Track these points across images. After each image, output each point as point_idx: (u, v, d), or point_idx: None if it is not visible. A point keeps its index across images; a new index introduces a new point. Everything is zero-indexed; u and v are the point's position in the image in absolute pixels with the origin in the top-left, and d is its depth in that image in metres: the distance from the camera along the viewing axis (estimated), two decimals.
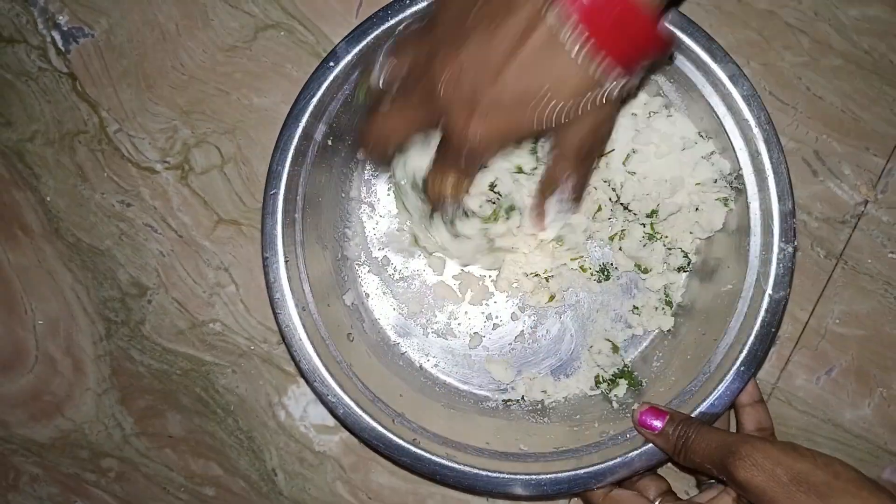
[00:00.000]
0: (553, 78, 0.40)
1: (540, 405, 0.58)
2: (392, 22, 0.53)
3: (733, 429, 0.54)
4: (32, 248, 0.62)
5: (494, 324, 0.59)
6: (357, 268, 0.59)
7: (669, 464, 0.55)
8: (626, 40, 0.39)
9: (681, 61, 0.53)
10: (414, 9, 0.53)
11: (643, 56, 0.41)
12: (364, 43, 0.53)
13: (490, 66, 0.41)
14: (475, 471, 0.51)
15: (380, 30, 0.53)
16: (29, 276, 0.62)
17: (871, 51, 0.59)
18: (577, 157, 0.47)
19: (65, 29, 0.62)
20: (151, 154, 0.61)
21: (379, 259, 0.59)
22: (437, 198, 0.49)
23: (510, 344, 0.59)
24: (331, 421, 0.60)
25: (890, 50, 0.58)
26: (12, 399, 0.62)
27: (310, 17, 0.61)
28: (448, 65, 0.41)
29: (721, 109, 0.52)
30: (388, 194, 0.59)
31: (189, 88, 0.61)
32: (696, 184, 0.55)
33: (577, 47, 0.39)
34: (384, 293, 0.59)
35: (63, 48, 0.62)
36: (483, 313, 0.59)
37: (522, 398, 0.58)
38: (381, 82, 0.47)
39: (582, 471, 0.51)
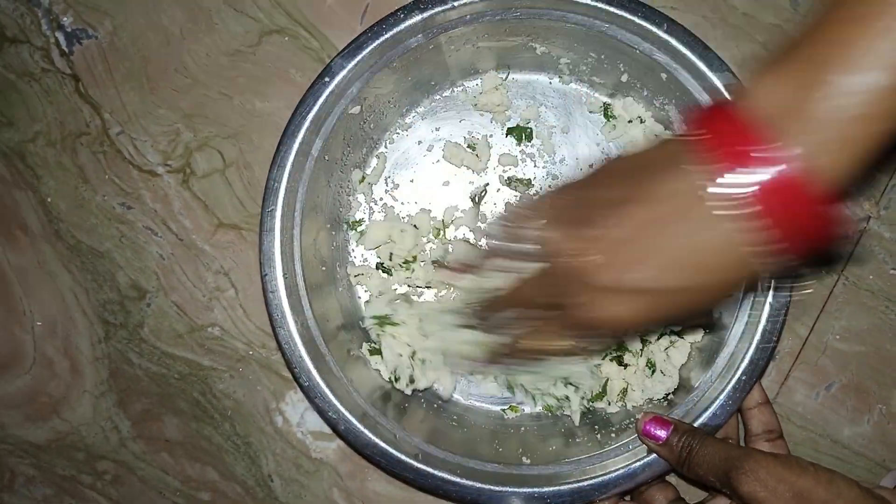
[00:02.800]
0: (712, 266, 0.37)
1: (543, 417, 0.57)
2: (387, 35, 0.53)
3: (736, 434, 0.54)
4: (32, 249, 0.62)
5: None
6: (355, 282, 0.59)
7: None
8: (799, 220, 0.35)
9: (678, 72, 0.53)
10: (410, 21, 0.53)
11: (817, 244, 0.36)
12: (360, 57, 0.53)
13: (642, 246, 0.37)
14: (478, 485, 0.51)
15: (375, 44, 0.53)
16: (28, 277, 0.62)
17: None
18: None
19: (69, 30, 0.62)
20: (153, 157, 0.61)
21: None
22: (523, 353, 0.47)
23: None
24: (328, 428, 0.60)
25: None
26: (9, 400, 0.62)
27: (314, 23, 0.61)
28: (594, 241, 0.38)
29: None
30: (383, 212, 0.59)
31: (192, 92, 0.61)
32: None
33: (746, 228, 0.35)
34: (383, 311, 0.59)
35: (66, 49, 0.62)
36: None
37: (524, 411, 0.58)
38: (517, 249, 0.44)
39: (585, 483, 0.51)
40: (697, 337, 0.55)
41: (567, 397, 0.55)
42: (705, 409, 0.51)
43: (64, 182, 0.62)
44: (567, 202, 0.41)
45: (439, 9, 0.53)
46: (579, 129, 0.59)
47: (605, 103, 0.58)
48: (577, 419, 0.55)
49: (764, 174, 0.34)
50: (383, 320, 0.56)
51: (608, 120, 0.58)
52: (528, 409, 0.58)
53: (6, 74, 0.62)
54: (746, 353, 0.51)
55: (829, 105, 0.33)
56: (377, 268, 0.58)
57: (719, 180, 0.35)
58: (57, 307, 0.62)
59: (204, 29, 0.61)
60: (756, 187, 0.34)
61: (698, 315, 0.42)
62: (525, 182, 0.58)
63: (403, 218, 0.58)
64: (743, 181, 0.34)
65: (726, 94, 0.49)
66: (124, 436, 0.61)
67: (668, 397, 0.55)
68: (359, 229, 0.58)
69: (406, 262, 0.57)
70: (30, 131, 0.62)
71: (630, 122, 0.57)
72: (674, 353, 0.55)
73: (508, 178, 0.58)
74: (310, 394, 0.52)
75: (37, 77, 0.62)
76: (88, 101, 0.62)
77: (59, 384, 0.61)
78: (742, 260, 0.36)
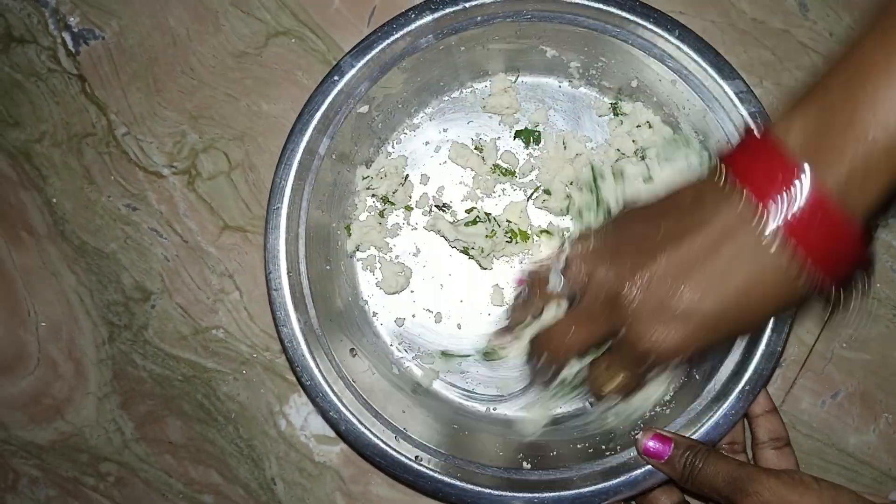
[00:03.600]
0: (752, 290, 0.39)
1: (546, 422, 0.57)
2: (397, 35, 0.53)
3: (742, 440, 0.54)
4: (37, 250, 0.62)
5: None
6: (360, 283, 0.59)
7: None
8: (829, 248, 0.38)
9: (688, 78, 0.53)
10: (420, 22, 0.53)
11: (841, 264, 0.39)
12: (369, 56, 0.53)
13: (682, 276, 0.40)
14: (478, 489, 0.51)
15: (384, 43, 0.53)
16: (32, 278, 0.62)
17: None
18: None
19: (75, 30, 0.62)
20: (159, 158, 0.61)
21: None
22: (596, 391, 0.49)
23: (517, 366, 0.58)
24: (331, 431, 0.60)
25: None
26: (13, 401, 0.62)
27: (321, 25, 0.61)
28: (637, 275, 0.41)
29: (729, 127, 0.52)
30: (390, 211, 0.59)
31: (198, 93, 0.61)
32: None
33: (781, 258, 0.38)
34: (387, 311, 0.59)
35: (73, 49, 0.62)
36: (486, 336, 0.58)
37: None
38: (558, 288, 0.48)
39: (586, 490, 0.50)
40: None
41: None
42: (708, 419, 0.51)
43: (69, 182, 0.62)
44: (614, 241, 0.44)
45: (450, 10, 0.53)
46: (588, 134, 0.59)
47: (612, 103, 0.58)
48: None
49: (798, 208, 0.36)
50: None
51: (616, 116, 0.58)
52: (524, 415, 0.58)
53: (13, 74, 0.62)
54: (751, 361, 0.51)
55: (858, 141, 0.35)
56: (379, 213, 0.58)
57: (757, 215, 0.37)
58: (61, 308, 0.61)
59: (210, 30, 0.61)
60: (791, 220, 0.37)
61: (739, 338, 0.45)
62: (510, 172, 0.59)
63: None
64: (778, 216, 0.37)
65: (748, 118, 0.51)
66: (128, 438, 0.61)
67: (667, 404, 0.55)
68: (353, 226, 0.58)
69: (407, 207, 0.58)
70: (36, 131, 0.62)
71: (638, 126, 0.57)
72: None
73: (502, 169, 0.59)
74: (311, 393, 0.52)
75: (43, 77, 0.62)
76: (94, 102, 0.62)
77: (62, 385, 0.61)
78: (782, 287, 0.39)
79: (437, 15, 0.53)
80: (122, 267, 0.61)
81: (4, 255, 0.62)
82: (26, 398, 0.62)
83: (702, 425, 0.50)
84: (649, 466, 0.50)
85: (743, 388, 0.50)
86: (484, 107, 0.59)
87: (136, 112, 0.61)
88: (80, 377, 0.61)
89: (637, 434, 0.50)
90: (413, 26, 0.53)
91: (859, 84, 0.35)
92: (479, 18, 0.54)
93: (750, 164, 0.38)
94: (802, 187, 0.36)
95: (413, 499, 0.59)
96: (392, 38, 0.53)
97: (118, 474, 0.61)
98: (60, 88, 0.62)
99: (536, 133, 0.59)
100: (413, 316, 0.59)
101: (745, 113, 0.51)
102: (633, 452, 0.51)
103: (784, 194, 0.37)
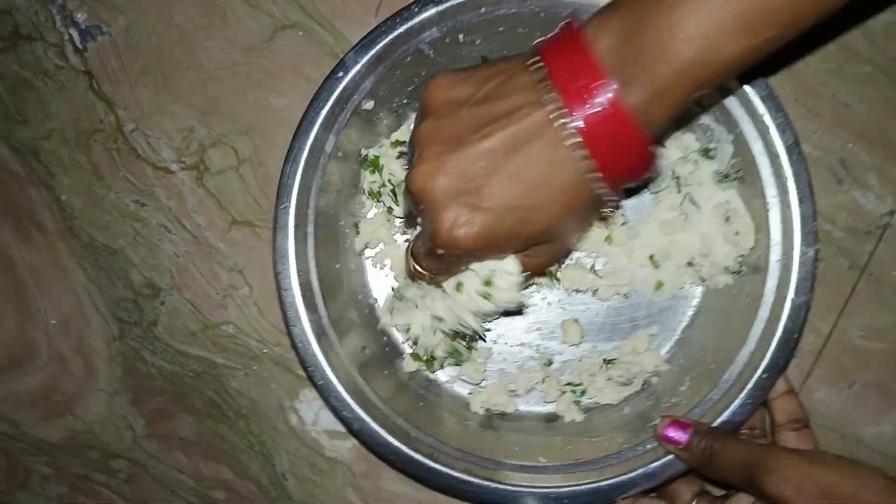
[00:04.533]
0: (546, 189, 0.40)
1: (558, 417, 0.57)
2: (401, 30, 0.52)
3: (761, 424, 0.54)
4: (46, 247, 0.62)
5: (507, 341, 0.58)
6: (370, 281, 0.59)
7: None
8: (623, 160, 0.39)
9: None
10: (424, 16, 0.52)
11: (632, 177, 0.41)
12: (373, 51, 0.52)
13: (481, 166, 0.40)
14: (494, 485, 0.50)
15: (389, 38, 0.52)
16: (42, 275, 0.62)
17: None
18: (536, 270, 0.46)
19: (82, 27, 0.62)
20: (167, 154, 0.61)
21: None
22: (414, 276, 0.48)
23: (525, 359, 0.58)
24: (342, 427, 0.59)
25: None
26: (23, 398, 0.62)
27: (328, 17, 0.61)
28: (432, 165, 0.41)
29: (738, 112, 0.51)
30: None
31: (206, 88, 0.61)
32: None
33: (576, 157, 0.39)
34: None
35: (80, 46, 0.62)
36: (494, 329, 0.58)
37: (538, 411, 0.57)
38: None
39: (604, 483, 0.50)
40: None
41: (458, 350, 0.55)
42: (726, 408, 0.50)
43: (78, 179, 0.62)
44: (422, 124, 0.43)
45: (454, 2, 0.53)
46: None
47: None
48: (578, 417, 0.56)
49: (592, 109, 0.37)
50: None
51: None
52: (539, 409, 0.57)
53: (20, 72, 0.62)
54: (768, 350, 0.50)
55: (661, 59, 0.37)
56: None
57: (557, 113, 0.38)
58: (71, 305, 0.61)
59: (217, 25, 0.61)
60: (582, 121, 0.38)
61: (543, 240, 0.44)
62: None
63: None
64: (572, 113, 0.38)
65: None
66: (138, 434, 0.61)
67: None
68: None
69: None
70: (44, 128, 0.62)
71: None
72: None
73: None
74: (324, 392, 0.52)
75: (51, 74, 0.62)
76: (102, 98, 0.61)
77: (73, 382, 0.61)
78: (575, 187, 0.40)
79: (441, 7, 0.52)
80: (131, 263, 0.61)
81: (14, 252, 0.62)
82: (36, 395, 0.62)
83: (719, 414, 0.50)
84: (667, 457, 0.50)
85: (760, 376, 0.50)
86: None
87: (144, 108, 0.61)
88: (90, 374, 0.61)
89: (656, 422, 0.50)
90: (417, 20, 0.53)
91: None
92: (483, 10, 0.53)
93: (562, 58, 0.39)
94: (603, 96, 0.37)
95: (425, 494, 0.59)
96: (396, 33, 0.53)
97: (129, 471, 0.61)
98: (68, 85, 0.62)
99: None
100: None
101: (756, 98, 0.51)
102: (650, 444, 0.51)
103: (585, 98, 0.37)
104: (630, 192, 0.57)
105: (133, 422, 0.61)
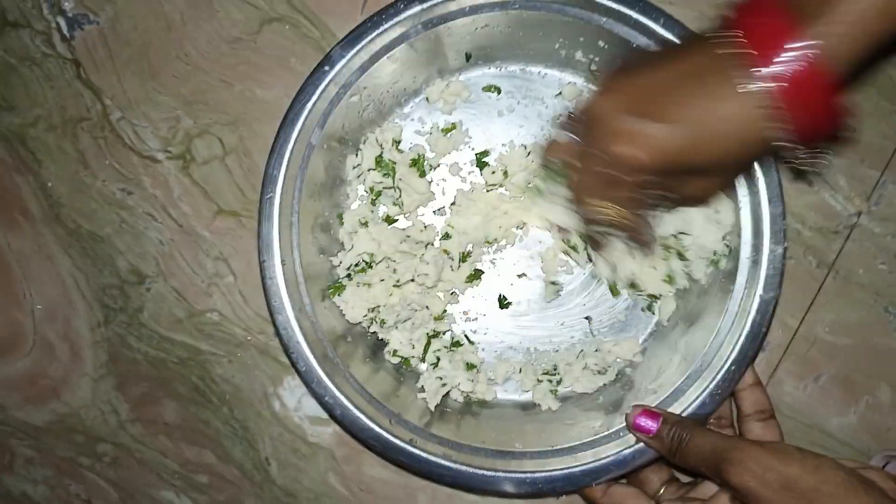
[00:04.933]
0: (726, 132, 0.42)
1: (535, 405, 0.58)
2: (387, 26, 0.53)
3: (730, 414, 0.55)
4: (32, 233, 0.62)
5: (487, 328, 0.59)
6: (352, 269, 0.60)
7: None
8: (810, 114, 0.41)
9: None
10: (410, 12, 0.53)
11: (817, 130, 0.42)
12: (359, 46, 0.53)
13: (662, 95, 0.43)
14: (471, 470, 0.52)
15: (374, 34, 0.53)
16: (28, 261, 0.62)
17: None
18: (694, 201, 0.49)
19: (70, 15, 0.62)
20: (153, 143, 0.62)
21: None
22: (589, 211, 0.49)
23: (504, 348, 0.59)
24: (324, 413, 0.60)
25: (889, 65, 0.59)
26: (9, 382, 0.62)
27: (315, 11, 0.61)
28: (625, 89, 0.44)
29: None
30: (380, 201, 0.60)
31: (193, 79, 0.62)
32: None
33: (757, 104, 0.40)
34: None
35: (68, 34, 0.62)
36: (474, 319, 0.59)
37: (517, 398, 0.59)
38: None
39: (577, 469, 0.52)
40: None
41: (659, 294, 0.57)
42: (696, 398, 0.52)
43: (64, 167, 0.62)
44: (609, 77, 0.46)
45: (438, 0, 0.54)
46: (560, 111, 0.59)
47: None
48: (553, 405, 0.57)
49: (785, 63, 0.39)
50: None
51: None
52: (516, 397, 0.59)
53: (7, 58, 0.62)
54: (736, 343, 0.52)
55: (847, 7, 0.38)
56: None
57: (745, 63, 0.40)
58: (57, 291, 0.62)
59: (205, 16, 0.62)
60: (777, 74, 0.39)
61: (704, 171, 0.46)
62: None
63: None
64: (766, 67, 0.39)
65: None
66: (123, 419, 0.62)
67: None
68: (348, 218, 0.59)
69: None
70: (30, 115, 0.62)
71: None
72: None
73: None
74: (306, 379, 0.53)
75: (38, 61, 0.62)
76: (89, 87, 0.62)
77: (58, 367, 0.62)
78: (754, 134, 0.41)
79: (425, 5, 0.54)
80: (117, 250, 0.62)
81: (0, 238, 0.62)
82: (22, 379, 0.62)
83: (689, 405, 0.52)
84: (638, 446, 0.51)
85: (728, 367, 0.52)
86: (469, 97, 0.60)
87: (131, 97, 0.62)
88: (75, 359, 0.62)
89: (628, 411, 0.51)
90: (402, 16, 0.54)
91: None
92: (467, 9, 0.54)
93: (748, 21, 0.41)
94: (792, 45, 0.39)
95: (405, 479, 0.60)
96: (382, 28, 0.54)
97: (114, 455, 0.62)
98: (55, 73, 0.62)
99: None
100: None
101: None
102: (623, 434, 0.52)
103: (774, 49, 0.39)
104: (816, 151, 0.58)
105: (118, 406, 0.62)
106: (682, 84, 0.42)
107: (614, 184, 0.46)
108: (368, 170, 0.58)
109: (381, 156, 0.58)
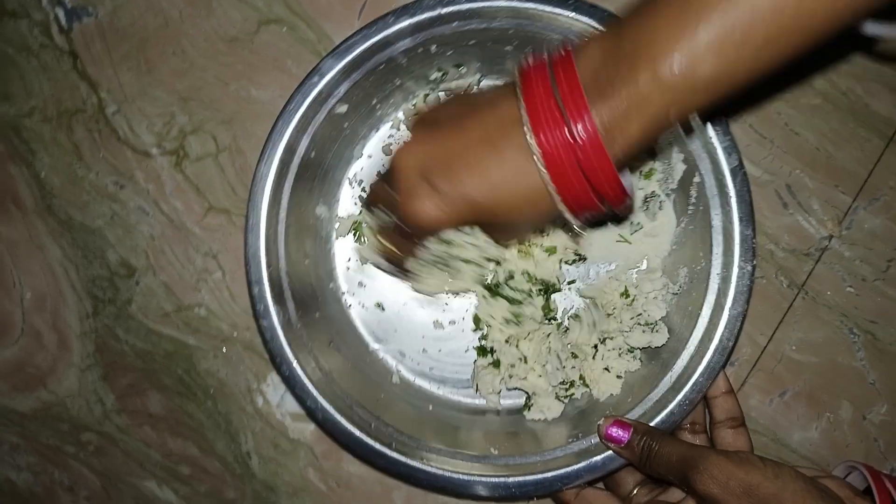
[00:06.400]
0: (509, 190, 0.42)
1: (513, 412, 0.60)
2: (377, 38, 0.54)
3: (703, 420, 0.57)
4: (24, 223, 0.63)
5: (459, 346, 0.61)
6: (338, 277, 0.61)
7: None
8: (581, 187, 0.41)
9: None
10: (399, 26, 0.54)
11: (590, 205, 0.42)
12: (349, 58, 0.54)
13: (456, 158, 0.43)
14: (448, 474, 0.53)
15: (364, 46, 0.54)
16: (19, 250, 0.63)
17: (849, 92, 0.61)
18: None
19: (68, 7, 0.62)
20: (148, 138, 0.62)
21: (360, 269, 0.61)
22: (387, 255, 0.53)
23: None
24: None
25: (866, 93, 0.61)
26: None
27: (312, 15, 0.62)
28: (412, 144, 0.45)
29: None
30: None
31: (189, 76, 0.62)
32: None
33: (538, 172, 0.41)
34: (362, 303, 0.61)
35: (66, 26, 0.62)
36: (448, 331, 0.61)
37: (496, 407, 0.61)
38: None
39: (549, 474, 0.53)
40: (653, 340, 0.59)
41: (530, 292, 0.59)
42: (664, 408, 0.54)
43: (58, 158, 0.62)
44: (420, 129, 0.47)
45: (428, 14, 0.55)
46: None
47: None
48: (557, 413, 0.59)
49: (553, 133, 0.39)
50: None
51: None
52: (501, 404, 0.61)
53: (4, 48, 0.62)
54: (704, 356, 0.54)
55: (632, 90, 0.37)
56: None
57: (528, 128, 0.40)
58: (47, 281, 0.63)
59: (203, 14, 0.62)
60: (549, 145, 0.39)
61: (503, 235, 0.50)
62: None
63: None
64: (536, 133, 0.40)
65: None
66: (108, 409, 0.63)
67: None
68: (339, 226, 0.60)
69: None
70: (26, 106, 0.62)
71: None
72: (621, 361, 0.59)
73: None
74: (289, 383, 0.54)
75: (35, 52, 0.62)
76: (86, 79, 0.62)
77: (46, 356, 0.63)
78: (535, 198, 0.42)
79: (415, 19, 0.54)
80: (107, 243, 0.62)
81: None
82: (9, 367, 0.63)
83: (658, 413, 0.54)
84: (609, 452, 0.53)
85: (697, 379, 0.54)
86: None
87: (127, 91, 0.62)
88: (63, 348, 0.63)
89: (600, 421, 0.53)
90: (392, 29, 0.54)
91: (645, 36, 0.37)
92: (455, 24, 0.55)
93: (536, 76, 0.41)
94: (572, 120, 0.39)
95: (381, 476, 0.62)
96: (372, 41, 0.54)
97: (98, 444, 0.63)
98: (52, 64, 0.62)
99: None
100: (387, 307, 0.61)
101: (707, 124, 0.54)
102: (594, 440, 0.54)
103: (549, 120, 0.39)
104: (596, 224, 0.60)
105: (104, 396, 0.63)
106: (475, 146, 0.43)
107: (404, 233, 0.49)
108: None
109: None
